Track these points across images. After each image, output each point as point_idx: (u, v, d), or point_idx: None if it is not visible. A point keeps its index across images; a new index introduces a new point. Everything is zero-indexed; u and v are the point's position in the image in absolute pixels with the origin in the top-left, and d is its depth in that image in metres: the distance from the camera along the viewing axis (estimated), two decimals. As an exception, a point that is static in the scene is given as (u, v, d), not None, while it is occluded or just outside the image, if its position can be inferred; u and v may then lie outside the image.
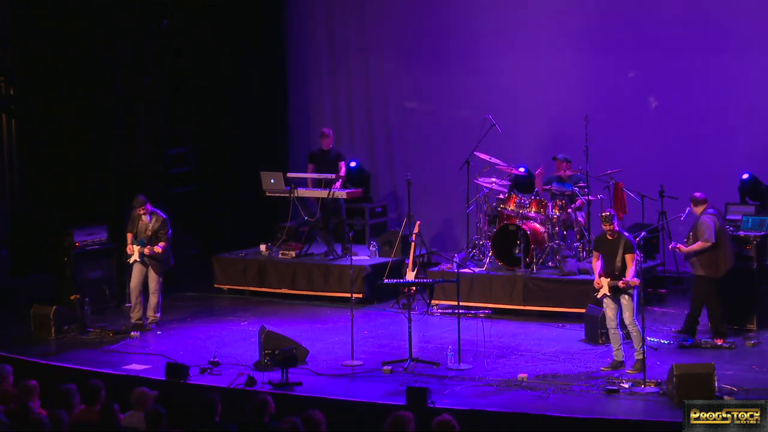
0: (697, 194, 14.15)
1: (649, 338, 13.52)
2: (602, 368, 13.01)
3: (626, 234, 13.08)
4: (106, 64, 18.91)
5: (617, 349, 13.02)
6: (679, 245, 14.22)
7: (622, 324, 13.05)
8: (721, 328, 14.02)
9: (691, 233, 14.11)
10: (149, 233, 15.11)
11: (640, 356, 12.66)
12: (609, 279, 12.85)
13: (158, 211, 15.26)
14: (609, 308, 13.00)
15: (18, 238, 17.88)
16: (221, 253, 17.84)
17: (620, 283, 12.75)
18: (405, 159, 19.58)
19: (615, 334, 13.03)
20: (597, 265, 13.07)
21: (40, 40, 18.33)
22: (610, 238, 12.96)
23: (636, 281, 12.73)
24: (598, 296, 13.04)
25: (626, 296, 12.84)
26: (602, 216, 13.02)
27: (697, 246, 13.98)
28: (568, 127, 17.56)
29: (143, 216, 15.14)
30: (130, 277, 15.26)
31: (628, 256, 12.83)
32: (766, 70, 17.17)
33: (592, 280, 15.24)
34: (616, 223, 12.97)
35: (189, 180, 20.12)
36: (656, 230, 15.91)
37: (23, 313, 15.52)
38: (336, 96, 20.15)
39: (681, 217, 14.58)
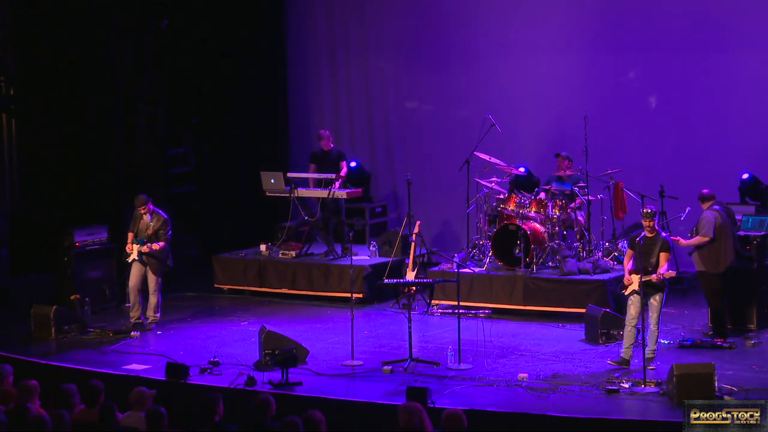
0: (704, 191, 14.22)
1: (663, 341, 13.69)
2: (609, 360, 13.03)
3: (663, 233, 13.08)
4: (106, 64, 18.89)
5: (628, 347, 12.98)
6: (677, 238, 14.25)
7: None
8: (721, 328, 14.02)
9: (694, 228, 14.16)
10: (150, 232, 15.11)
11: (651, 356, 12.75)
12: (640, 275, 12.81)
13: (160, 211, 15.26)
14: (633, 306, 12.92)
15: (18, 238, 17.85)
16: (221, 253, 17.83)
17: (653, 278, 12.68)
18: (405, 159, 19.57)
19: (631, 332, 12.97)
20: (628, 263, 13.04)
21: (40, 40, 18.32)
22: (649, 235, 12.86)
23: (672, 273, 12.72)
24: (626, 293, 12.99)
25: (658, 296, 12.83)
26: (644, 212, 12.91)
27: (695, 240, 14.01)
28: (568, 127, 17.55)
29: (144, 215, 15.14)
30: (129, 276, 15.28)
31: (662, 255, 12.79)
32: (766, 70, 17.17)
33: (592, 280, 15.32)
34: (656, 221, 12.96)
35: (189, 180, 20.11)
36: (656, 230, 15.89)
37: (23, 313, 15.51)
38: (336, 96, 20.14)
39: (681, 217, 14.58)
